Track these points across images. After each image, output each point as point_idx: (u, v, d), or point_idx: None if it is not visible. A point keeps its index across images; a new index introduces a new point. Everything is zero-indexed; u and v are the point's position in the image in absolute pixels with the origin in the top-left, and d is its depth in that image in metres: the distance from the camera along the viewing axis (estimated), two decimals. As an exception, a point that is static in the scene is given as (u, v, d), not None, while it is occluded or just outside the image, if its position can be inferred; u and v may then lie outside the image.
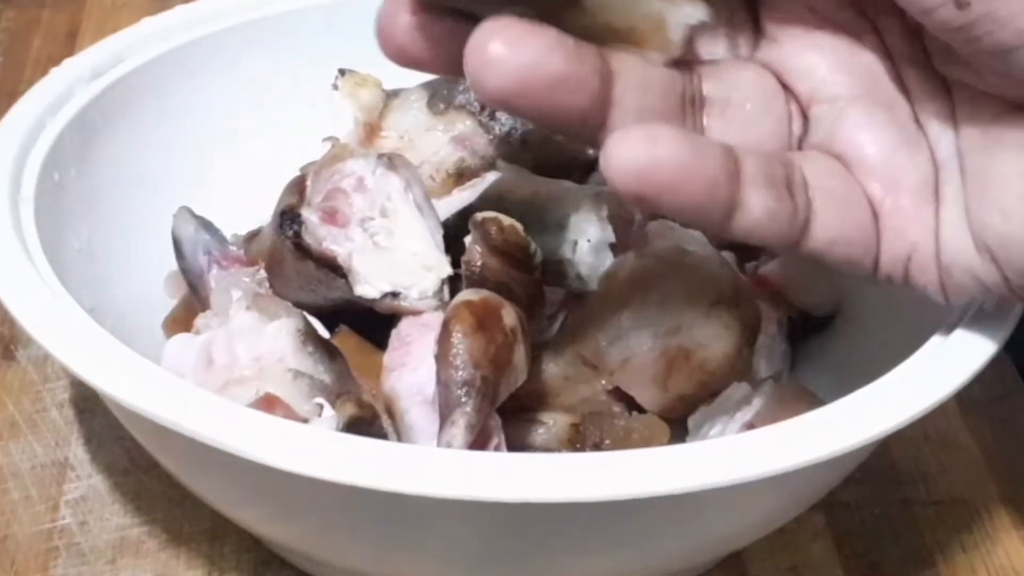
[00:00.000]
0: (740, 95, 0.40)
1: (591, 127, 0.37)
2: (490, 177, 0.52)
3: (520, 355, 0.44)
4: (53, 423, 0.55)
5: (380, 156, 0.49)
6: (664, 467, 0.38)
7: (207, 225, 0.53)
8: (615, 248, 0.48)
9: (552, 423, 0.47)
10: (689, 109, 0.40)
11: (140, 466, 0.53)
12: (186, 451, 0.42)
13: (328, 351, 0.46)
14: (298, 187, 0.48)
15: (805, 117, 0.41)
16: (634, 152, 0.36)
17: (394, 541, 0.42)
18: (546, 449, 0.46)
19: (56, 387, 0.57)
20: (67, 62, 0.55)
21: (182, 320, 0.52)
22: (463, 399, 0.42)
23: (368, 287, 0.47)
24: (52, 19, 0.81)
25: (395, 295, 0.47)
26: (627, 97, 0.38)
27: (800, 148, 0.41)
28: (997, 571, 0.50)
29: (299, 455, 0.38)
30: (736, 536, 0.47)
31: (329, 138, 0.52)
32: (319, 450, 0.38)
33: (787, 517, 0.47)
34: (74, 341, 0.42)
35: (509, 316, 0.44)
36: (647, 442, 0.46)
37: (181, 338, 0.48)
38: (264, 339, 0.45)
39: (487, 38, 0.36)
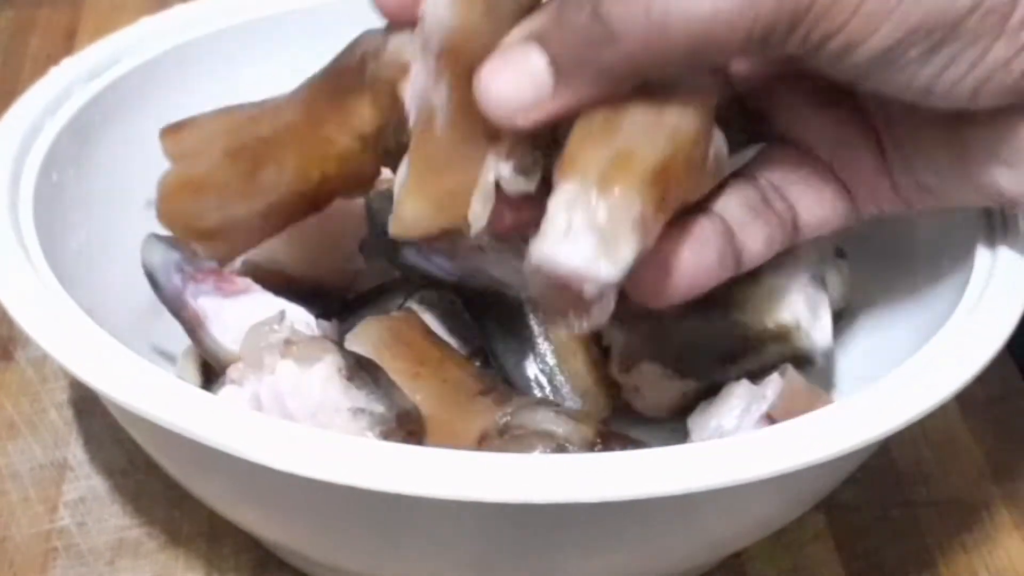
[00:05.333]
0: None
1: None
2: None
3: None
4: (52, 424, 0.55)
5: None
6: (663, 468, 0.38)
7: (174, 244, 0.50)
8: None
9: (581, 420, 0.47)
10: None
11: (139, 467, 0.53)
12: (185, 452, 0.42)
13: (371, 374, 0.46)
14: None
15: (745, 114, 0.46)
16: (660, 287, 0.42)
17: (392, 542, 0.42)
18: (566, 441, 0.46)
19: (55, 388, 0.57)
20: (65, 62, 0.55)
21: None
22: None
23: None
24: (50, 19, 0.81)
25: None
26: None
27: None
28: (998, 572, 0.50)
29: (297, 456, 0.38)
30: (736, 537, 0.47)
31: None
32: (317, 451, 0.38)
33: (788, 518, 0.47)
34: (73, 342, 0.42)
35: None
36: None
37: (227, 394, 0.46)
38: (312, 391, 0.45)
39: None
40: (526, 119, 0.39)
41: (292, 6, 0.60)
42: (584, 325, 0.40)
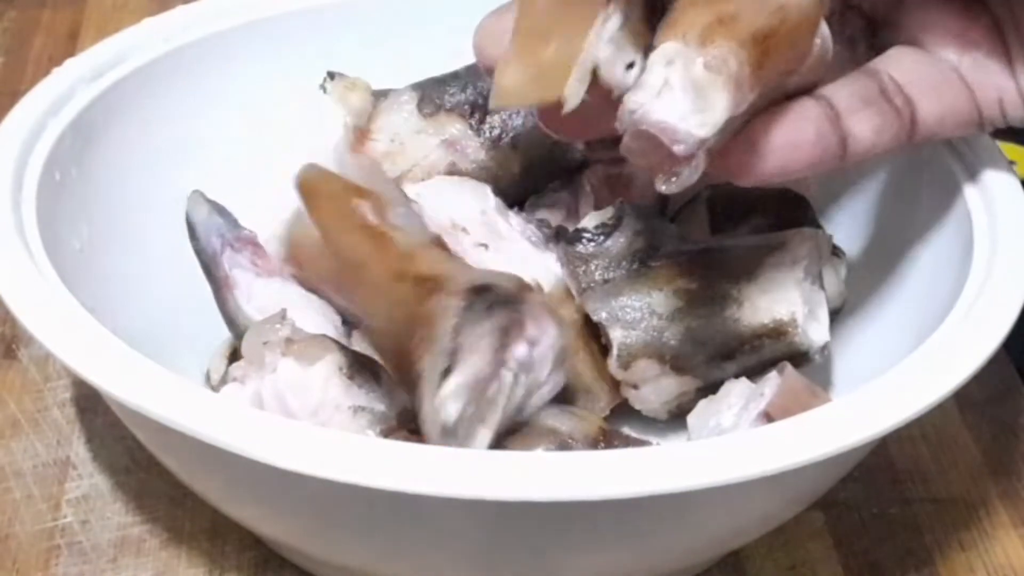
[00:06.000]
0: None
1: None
2: None
3: None
4: (55, 422, 0.55)
5: None
6: (664, 466, 0.38)
7: (220, 209, 0.53)
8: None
9: (584, 418, 0.47)
10: None
11: (141, 465, 0.53)
12: (187, 450, 0.42)
13: (372, 372, 0.46)
14: None
15: (868, 23, 0.47)
16: (747, 162, 0.41)
17: (393, 540, 0.42)
18: (570, 437, 0.46)
19: (58, 386, 0.57)
20: (68, 62, 0.55)
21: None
22: None
23: None
24: (53, 19, 0.81)
25: None
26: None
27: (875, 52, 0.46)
28: (995, 570, 0.50)
29: (298, 454, 0.38)
30: (735, 535, 0.47)
31: None
32: (320, 449, 0.38)
33: (786, 516, 0.47)
34: (75, 340, 0.42)
35: None
36: None
37: (230, 391, 0.47)
38: (313, 389, 0.45)
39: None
40: None
41: (294, 7, 0.60)
42: (673, 185, 0.40)
